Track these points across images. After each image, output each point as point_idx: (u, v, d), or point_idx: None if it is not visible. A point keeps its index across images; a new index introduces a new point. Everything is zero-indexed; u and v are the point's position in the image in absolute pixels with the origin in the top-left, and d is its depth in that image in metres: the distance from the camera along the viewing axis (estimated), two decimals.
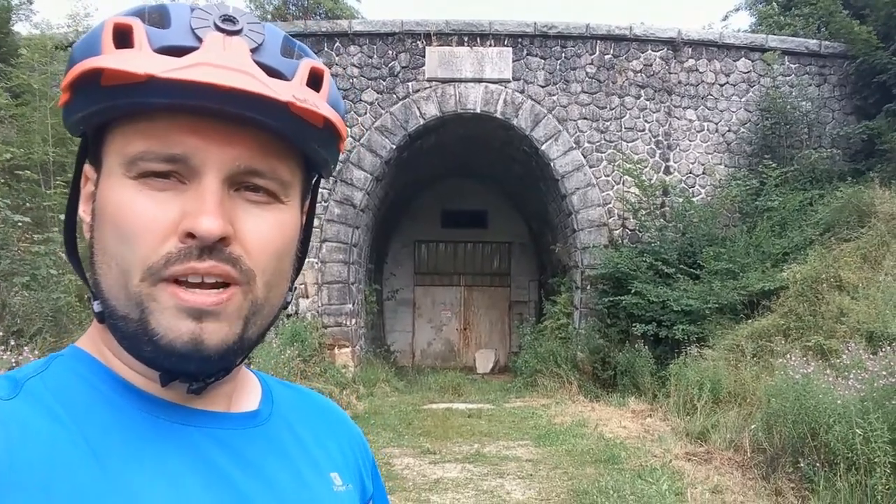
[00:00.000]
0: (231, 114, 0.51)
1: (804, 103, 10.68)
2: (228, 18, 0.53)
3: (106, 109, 0.52)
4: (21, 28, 12.12)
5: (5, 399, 0.50)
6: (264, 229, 0.55)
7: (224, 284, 0.52)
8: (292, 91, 0.52)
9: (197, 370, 0.54)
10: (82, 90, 0.51)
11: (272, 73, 0.53)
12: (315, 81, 0.55)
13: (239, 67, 0.50)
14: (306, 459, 0.63)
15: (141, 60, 0.49)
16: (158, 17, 0.53)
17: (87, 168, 0.58)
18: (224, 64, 0.50)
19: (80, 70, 0.50)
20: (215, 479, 0.54)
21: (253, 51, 0.53)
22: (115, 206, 0.52)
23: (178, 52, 0.51)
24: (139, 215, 0.51)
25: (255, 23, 0.55)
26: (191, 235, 0.51)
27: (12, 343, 4.50)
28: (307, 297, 10.40)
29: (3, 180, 8.28)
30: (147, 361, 0.54)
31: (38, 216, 8.11)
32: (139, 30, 0.51)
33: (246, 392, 0.64)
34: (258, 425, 0.61)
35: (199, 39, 0.52)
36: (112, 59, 0.49)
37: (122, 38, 0.51)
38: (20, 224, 7.81)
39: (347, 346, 10.32)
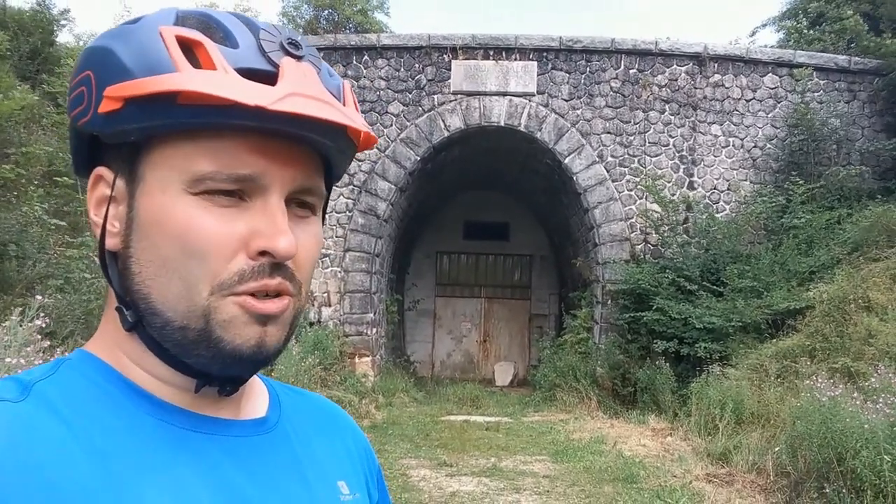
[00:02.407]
0: (306, 137, 0.53)
1: (833, 120, 10.52)
2: (293, 43, 0.54)
3: (172, 125, 0.51)
4: (62, 37, 12.58)
5: (14, 401, 0.49)
6: (308, 243, 0.57)
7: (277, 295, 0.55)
8: (360, 119, 0.55)
9: (243, 373, 0.56)
10: (147, 104, 0.49)
11: (334, 97, 0.55)
12: (352, 100, 0.58)
13: (323, 97, 0.52)
14: (314, 467, 0.62)
15: (238, 86, 0.49)
16: (218, 33, 0.53)
17: (105, 171, 0.56)
18: (312, 94, 0.51)
19: (161, 88, 0.48)
20: (223, 487, 0.54)
21: (317, 75, 0.55)
22: (179, 221, 0.52)
23: (257, 75, 0.51)
24: (208, 232, 0.51)
25: (309, 45, 0.56)
26: (263, 253, 0.52)
27: (46, 344, 4.63)
28: (329, 305, 10.52)
29: (37, 183, 8.56)
30: (195, 366, 0.54)
31: (73, 221, 8.37)
32: (213, 48, 0.50)
33: (254, 398, 0.64)
34: (266, 432, 0.61)
35: (275, 64, 0.52)
36: (202, 81, 0.48)
37: (188, 53, 0.50)
38: (53, 226, 8.06)
39: (368, 356, 10.40)
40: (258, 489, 0.56)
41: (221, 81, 0.49)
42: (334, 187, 0.68)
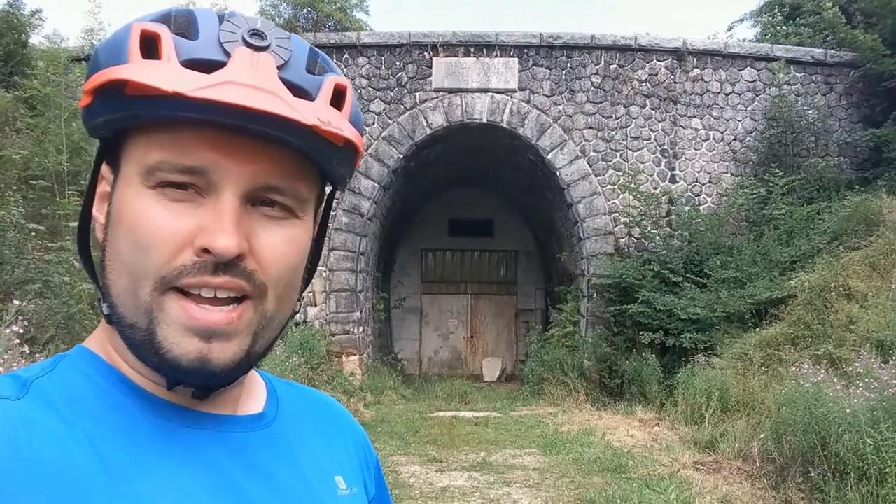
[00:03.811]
0: (254, 131, 0.50)
1: (810, 112, 10.68)
2: (257, 33, 0.52)
3: (128, 117, 0.52)
4: (33, 39, 12.32)
5: (13, 399, 0.49)
6: (279, 245, 0.55)
7: (236, 299, 0.53)
8: (317, 113, 0.52)
9: (202, 383, 0.55)
10: (106, 96, 0.51)
11: (297, 91, 0.52)
12: (338, 98, 0.55)
13: (265, 87, 0.50)
14: (311, 462, 0.62)
15: (168, 75, 0.48)
16: (187, 27, 0.52)
17: (105, 168, 0.58)
18: (251, 83, 0.49)
19: (106, 79, 0.49)
20: (220, 482, 0.54)
21: (280, 67, 0.52)
22: (132, 215, 0.52)
23: (206, 66, 0.50)
24: (155, 225, 0.51)
25: (283, 38, 0.54)
26: (206, 251, 0.50)
27: (26, 350, 4.55)
28: (315, 305, 10.46)
29: (15, 187, 8.40)
30: (153, 368, 0.54)
31: (52, 225, 8.21)
32: (167, 40, 0.50)
33: (251, 394, 0.64)
34: (263, 428, 0.61)
35: (228, 54, 0.51)
36: (139, 70, 0.48)
37: (150, 46, 0.50)
38: (34, 233, 7.92)
39: (355, 354, 10.36)
40: (255, 485, 0.56)
41: (156, 70, 0.48)
42: None
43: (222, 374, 0.53)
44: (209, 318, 0.51)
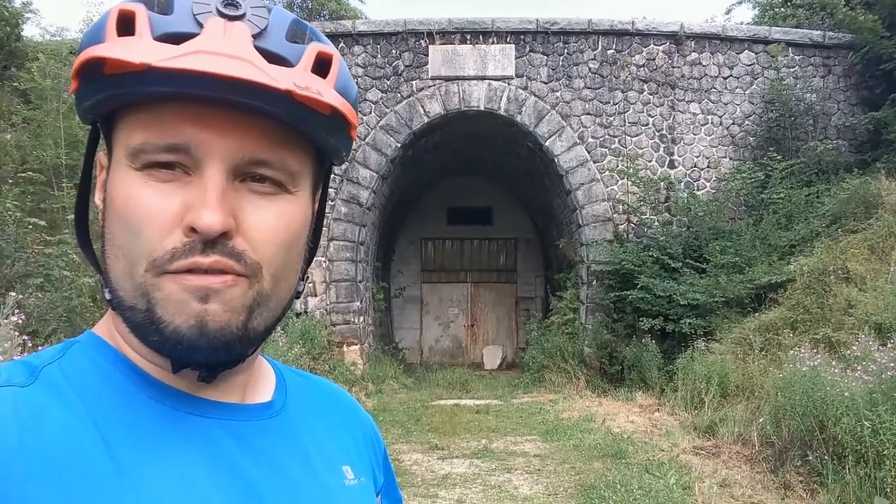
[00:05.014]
0: (233, 102, 0.49)
1: (809, 95, 10.63)
2: (231, 3, 0.52)
3: (111, 98, 0.51)
4: (28, 31, 12.21)
5: (22, 386, 0.49)
6: (270, 221, 0.53)
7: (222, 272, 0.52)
8: (293, 78, 0.50)
9: (204, 359, 0.53)
10: (87, 78, 0.51)
11: (274, 59, 0.51)
12: (322, 67, 0.54)
13: (237, 54, 0.48)
14: (319, 452, 0.62)
15: (139, 49, 0.48)
16: (166, 4, 0.52)
17: (101, 156, 0.57)
18: (222, 51, 0.48)
19: (84, 59, 0.49)
20: (227, 470, 0.54)
21: (255, 36, 0.51)
22: (122, 198, 0.52)
23: (179, 38, 0.49)
24: (143, 206, 0.51)
25: (259, 7, 0.53)
26: (193, 230, 0.50)
27: (29, 344, 4.58)
28: (315, 295, 10.48)
29: (11, 181, 8.37)
30: (155, 349, 0.53)
31: (50, 218, 8.21)
32: (142, 16, 0.50)
33: (260, 382, 0.64)
34: (272, 417, 0.61)
35: (200, 25, 0.50)
36: (112, 47, 0.48)
37: (126, 24, 0.50)
38: (32, 226, 7.91)
39: (356, 344, 10.40)
40: (262, 474, 0.56)
41: (128, 45, 0.48)
42: None
43: (218, 341, 0.51)
44: (204, 281, 0.51)
